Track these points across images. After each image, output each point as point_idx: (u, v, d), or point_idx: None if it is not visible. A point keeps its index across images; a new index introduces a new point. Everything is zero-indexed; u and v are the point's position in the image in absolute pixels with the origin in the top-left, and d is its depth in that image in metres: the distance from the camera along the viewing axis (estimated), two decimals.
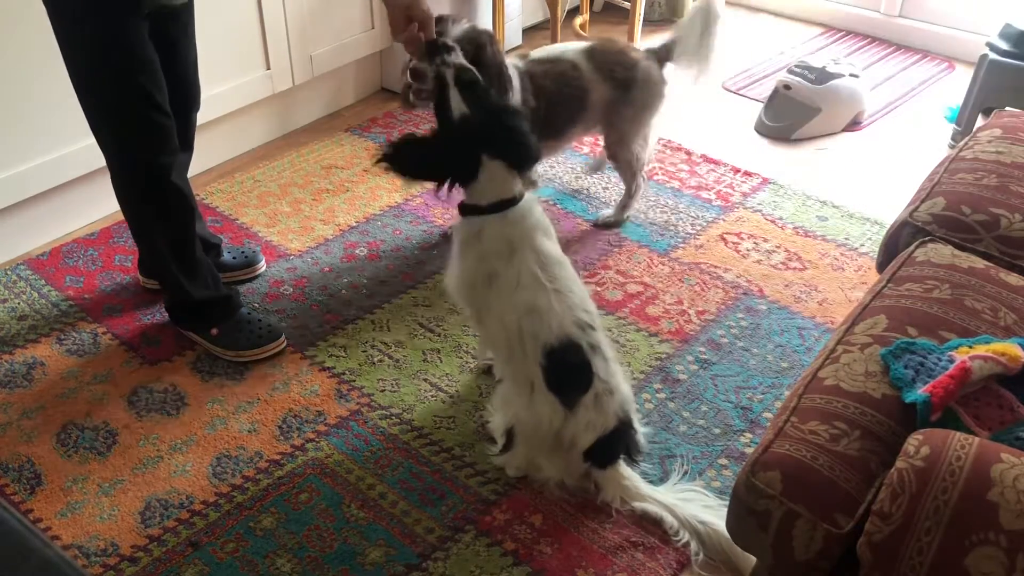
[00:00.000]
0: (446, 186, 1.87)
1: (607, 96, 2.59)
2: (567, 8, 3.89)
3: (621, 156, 2.74)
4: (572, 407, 1.86)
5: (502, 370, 1.99)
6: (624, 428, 1.91)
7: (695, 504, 1.88)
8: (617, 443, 1.92)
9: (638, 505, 1.92)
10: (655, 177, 3.09)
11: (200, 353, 2.34)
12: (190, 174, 3.12)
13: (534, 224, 1.89)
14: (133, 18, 1.95)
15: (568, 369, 1.85)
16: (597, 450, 1.90)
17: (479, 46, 2.26)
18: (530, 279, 1.85)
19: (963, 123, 3.24)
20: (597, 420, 1.87)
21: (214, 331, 2.32)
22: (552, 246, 1.91)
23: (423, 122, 3.41)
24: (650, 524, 1.90)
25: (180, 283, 2.28)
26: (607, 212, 2.87)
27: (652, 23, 4.25)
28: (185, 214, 2.24)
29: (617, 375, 1.92)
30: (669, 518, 1.88)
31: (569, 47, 2.63)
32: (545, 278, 1.85)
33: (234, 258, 2.59)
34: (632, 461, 1.98)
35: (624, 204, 2.84)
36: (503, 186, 1.87)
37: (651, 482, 1.98)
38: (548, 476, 1.97)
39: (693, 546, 1.83)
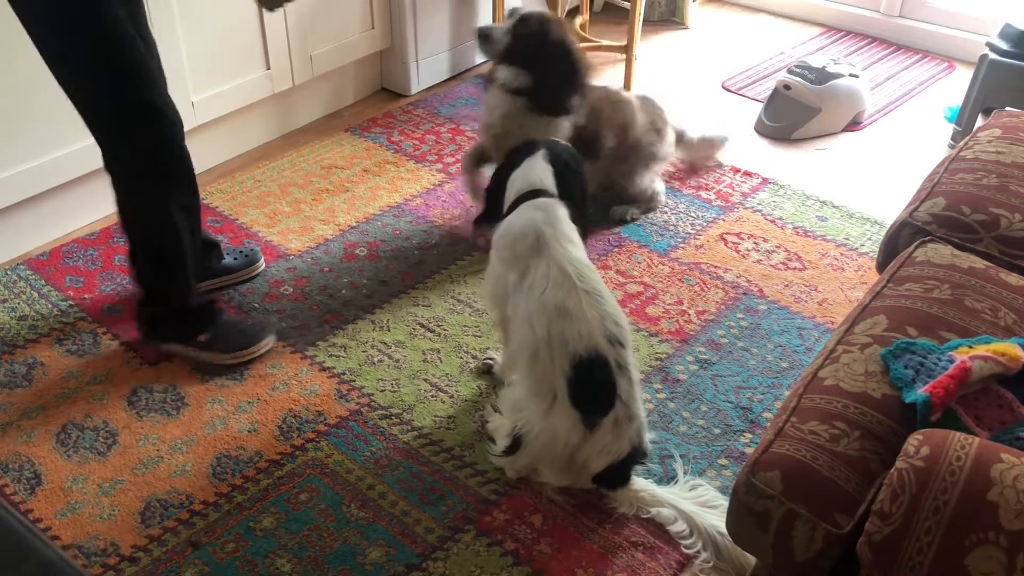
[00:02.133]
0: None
1: (640, 139, 2.78)
2: (567, 8, 3.89)
3: (630, 188, 2.85)
4: (592, 427, 1.82)
5: (521, 377, 1.95)
6: (635, 454, 1.88)
7: (715, 513, 1.85)
8: (628, 468, 1.90)
9: (654, 510, 1.90)
10: None
11: None
12: None
13: (560, 218, 1.91)
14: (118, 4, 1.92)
15: (593, 386, 1.81)
16: (607, 474, 1.88)
17: (544, 23, 2.52)
18: (560, 276, 1.83)
19: (963, 123, 3.24)
20: (612, 446, 1.83)
21: (202, 337, 2.27)
22: (580, 253, 1.91)
23: (423, 121, 3.41)
24: (652, 525, 1.90)
25: (184, 288, 2.24)
26: (621, 208, 2.88)
27: (652, 23, 4.26)
28: (195, 194, 2.23)
29: (638, 400, 1.88)
30: (682, 524, 1.85)
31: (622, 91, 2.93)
32: (575, 275, 1.83)
33: (235, 259, 2.58)
34: (637, 463, 1.96)
35: (639, 208, 2.90)
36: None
37: (656, 481, 1.98)
38: (549, 481, 1.97)
39: (705, 555, 1.81)
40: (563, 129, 2.59)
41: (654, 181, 2.89)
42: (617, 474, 1.89)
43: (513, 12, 2.56)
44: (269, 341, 2.33)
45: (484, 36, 2.53)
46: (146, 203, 2.17)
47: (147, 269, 2.26)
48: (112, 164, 2.12)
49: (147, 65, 2.01)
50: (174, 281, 2.25)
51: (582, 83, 2.58)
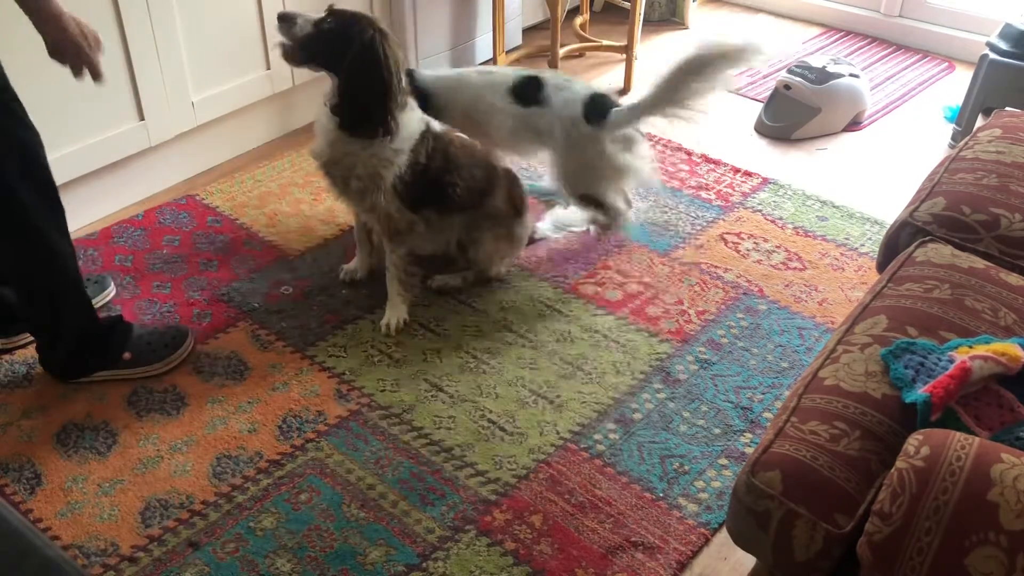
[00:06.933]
0: None
1: (500, 208, 2.56)
2: (567, 8, 3.89)
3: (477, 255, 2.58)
4: None
5: None
6: None
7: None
8: None
9: None
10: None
11: (200, 353, 2.34)
12: (191, 174, 3.14)
13: None
14: None
15: None
16: None
17: (355, 21, 2.17)
18: None
19: (963, 123, 3.24)
20: None
21: (127, 355, 2.23)
22: None
23: None
24: (651, 524, 1.90)
25: (93, 316, 2.17)
26: (445, 277, 2.62)
27: (652, 23, 4.26)
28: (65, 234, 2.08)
29: None
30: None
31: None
32: None
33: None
34: None
35: (467, 276, 2.63)
36: None
37: (652, 484, 1.98)
38: None
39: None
40: (394, 157, 2.28)
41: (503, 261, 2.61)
42: None
43: (330, 7, 2.20)
44: (191, 341, 2.31)
45: (286, 19, 2.17)
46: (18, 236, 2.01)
47: (40, 312, 2.15)
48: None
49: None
50: (77, 317, 2.16)
51: (391, 99, 2.20)
